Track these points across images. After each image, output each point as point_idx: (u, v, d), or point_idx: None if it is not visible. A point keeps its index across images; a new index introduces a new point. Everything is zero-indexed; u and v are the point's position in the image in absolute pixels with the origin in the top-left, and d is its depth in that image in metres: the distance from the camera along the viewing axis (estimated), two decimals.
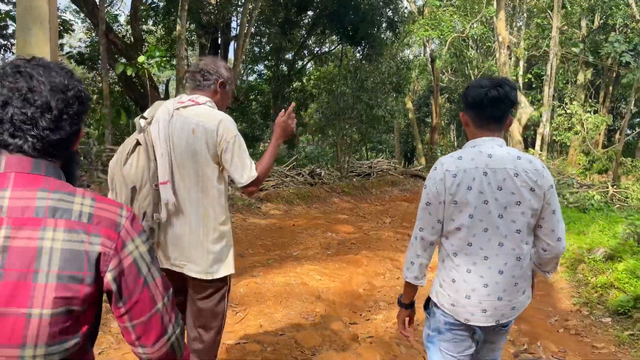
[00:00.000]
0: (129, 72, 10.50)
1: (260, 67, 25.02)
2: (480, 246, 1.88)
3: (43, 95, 0.97)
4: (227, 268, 2.27)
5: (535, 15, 21.02)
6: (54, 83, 0.99)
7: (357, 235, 8.79)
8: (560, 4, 13.83)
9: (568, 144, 15.75)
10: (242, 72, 25.34)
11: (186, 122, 2.15)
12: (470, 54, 28.77)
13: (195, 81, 2.27)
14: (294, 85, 25.46)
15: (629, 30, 17.78)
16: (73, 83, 1.03)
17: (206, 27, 18.85)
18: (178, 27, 9.60)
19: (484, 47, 29.36)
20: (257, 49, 22.12)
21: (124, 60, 13.23)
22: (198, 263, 2.19)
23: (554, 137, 15.97)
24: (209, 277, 2.21)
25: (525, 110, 12.50)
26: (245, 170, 2.16)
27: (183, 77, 10.03)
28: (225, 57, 20.33)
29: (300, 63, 23.38)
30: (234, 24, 20.33)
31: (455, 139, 37.38)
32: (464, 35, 22.32)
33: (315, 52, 21.83)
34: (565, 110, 14.77)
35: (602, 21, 19.56)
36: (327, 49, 21.88)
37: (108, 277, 0.99)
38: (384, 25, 15.67)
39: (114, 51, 14.04)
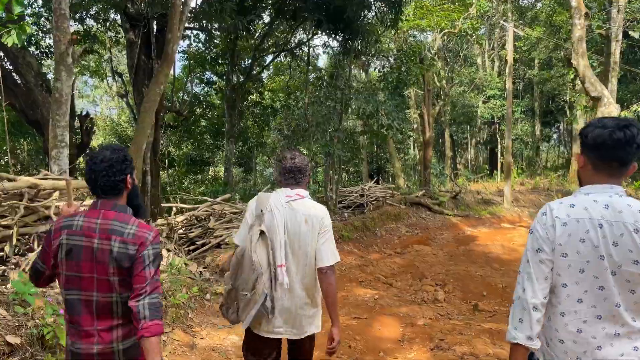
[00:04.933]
0: None
1: (210, 75, 20.29)
2: (592, 304, 1.69)
3: (98, 165, 1.98)
4: (317, 327, 2.65)
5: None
6: (103, 157, 1.98)
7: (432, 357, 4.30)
8: None
9: None
10: (184, 80, 20.48)
11: (298, 214, 2.52)
12: (438, 64, 25.20)
13: (295, 179, 2.62)
14: (253, 97, 20.89)
15: None
16: (113, 156, 2.00)
17: (135, 18, 14.05)
18: None
19: (463, 53, 25.99)
20: (202, 47, 17.44)
21: None
22: (299, 327, 2.55)
23: None
24: (304, 336, 2.58)
25: (607, 108, 8.54)
26: (332, 254, 2.54)
27: (67, 50, 5.28)
28: (159, 57, 15.40)
29: (259, 68, 18.89)
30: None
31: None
32: (455, 30, 18.62)
33: (278, 49, 17.40)
34: None
35: None
36: (294, 44, 17.52)
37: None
38: (377, 5, 11.42)
39: None
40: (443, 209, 15.07)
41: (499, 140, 26.38)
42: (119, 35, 16.55)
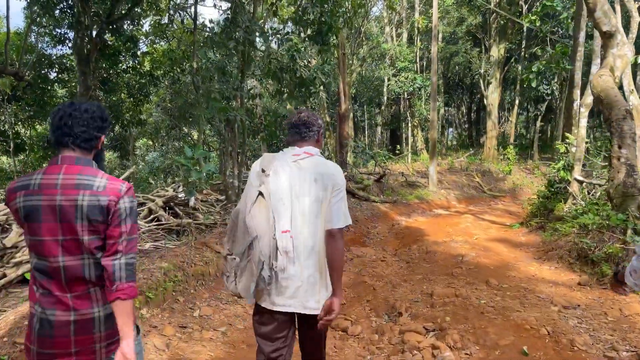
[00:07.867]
0: None
1: (65, 31, 15.56)
2: None
3: (79, 112, 1.77)
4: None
5: None
6: (87, 108, 1.79)
7: None
8: None
9: None
10: (30, 35, 15.54)
11: (307, 173, 2.22)
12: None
13: (300, 133, 2.34)
14: (127, 64, 16.64)
15: None
16: (96, 110, 1.82)
17: None
18: None
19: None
20: None
21: None
22: (312, 301, 2.22)
23: None
24: (315, 312, 2.25)
25: (620, 50, 6.26)
26: (344, 215, 2.22)
27: None
28: None
29: (123, 13, 14.66)
30: None
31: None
32: None
33: None
34: None
35: None
36: None
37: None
38: None
39: None
40: (369, 194, 12.44)
41: (408, 118, 24.54)
42: None
